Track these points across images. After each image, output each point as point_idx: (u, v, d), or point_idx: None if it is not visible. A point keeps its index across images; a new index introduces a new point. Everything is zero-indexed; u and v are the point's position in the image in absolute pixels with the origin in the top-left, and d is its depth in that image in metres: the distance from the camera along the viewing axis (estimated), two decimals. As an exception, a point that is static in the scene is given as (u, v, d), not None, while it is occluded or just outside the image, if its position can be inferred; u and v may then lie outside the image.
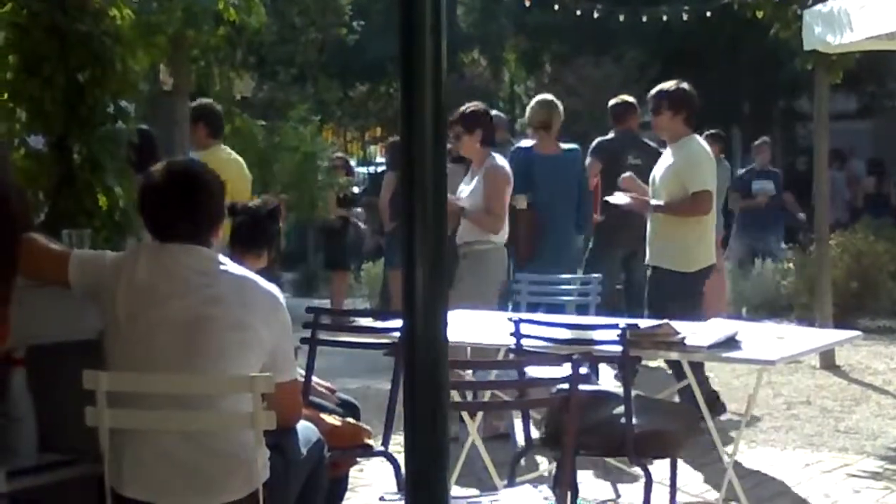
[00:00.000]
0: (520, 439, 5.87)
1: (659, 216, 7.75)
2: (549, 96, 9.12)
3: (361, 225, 14.51)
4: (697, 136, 7.92)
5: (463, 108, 7.90)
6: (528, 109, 9.10)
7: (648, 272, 7.93)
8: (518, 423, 6.40)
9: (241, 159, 9.01)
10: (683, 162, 7.70)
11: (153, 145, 7.74)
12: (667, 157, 7.88)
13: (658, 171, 7.85)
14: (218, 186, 4.17)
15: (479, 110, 7.94)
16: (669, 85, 7.97)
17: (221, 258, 4.10)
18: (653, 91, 8.10)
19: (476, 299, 7.30)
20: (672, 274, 7.59)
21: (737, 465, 6.07)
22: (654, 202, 7.72)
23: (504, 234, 7.81)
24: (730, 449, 6.00)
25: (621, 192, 8.01)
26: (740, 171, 16.14)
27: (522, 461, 5.50)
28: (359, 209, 14.53)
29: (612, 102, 10.28)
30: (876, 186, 20.49)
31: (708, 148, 8.04)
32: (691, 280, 7.64)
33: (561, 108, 8.94)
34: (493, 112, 11.39)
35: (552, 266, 8.20)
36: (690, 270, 7.62)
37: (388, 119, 26.87)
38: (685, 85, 7.99)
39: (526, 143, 9.03)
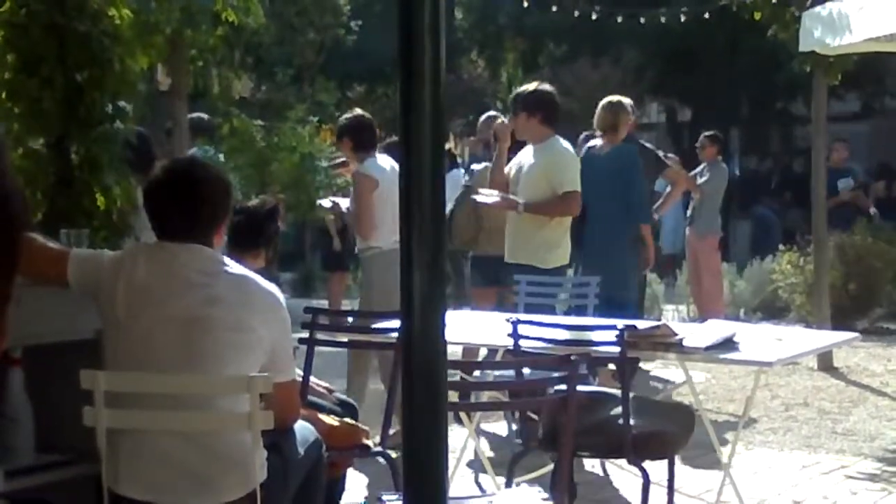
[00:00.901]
0: (517, 440, 5.87)
1: (516, 215, 7.72)
2: (615, 98, 9.23)
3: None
4: (560, 137, 7.88)
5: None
6: (597, 112, 9.26)
7: (514, 269, 7.85)
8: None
9: None
10: (550, 163, 7.67)
11: (149, 146, 7.74)
12: (528, 157, 7.78)
13: (520, 170, 7.76)
14: (221, 186, 4.16)
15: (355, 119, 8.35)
16: (527, 87, 7.96)
17: (222, 257, 4.10)
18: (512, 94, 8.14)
19: (375, 306, 7.39)
20: (530, 269, 7.56)
21: (734, 466, 6.07)
22: (523, 202, 7.64)
23: (387, 239, 7.84)
24: (727, 450, 6.00)
25: (487, 190, 7.94)
26: None
27: (520, 461, 5.50)
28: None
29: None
30: (886, 190, 20.35)
31: (572, 149, 8.01)
32: (549, 275, 7.65)
33: (628, 106, 9.14)
34: (492, 113, 11.44)
35: (597, 256, 8.60)
36: (547, 267, 7.64)
37: (386, 120, 26.89)
38: (545, 86, 8.01)
39: (594, 141, 9.30)
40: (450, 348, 2.86)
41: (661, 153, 10.56)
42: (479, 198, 7.87)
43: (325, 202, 9.50)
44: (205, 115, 11.70)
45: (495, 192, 7.81)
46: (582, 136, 9.94)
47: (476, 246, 8.87)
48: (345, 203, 8.47)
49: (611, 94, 12.14)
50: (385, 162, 8.21)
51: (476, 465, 6.87)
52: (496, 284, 8.44)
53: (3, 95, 5.15)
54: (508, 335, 5.55)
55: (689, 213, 12.94)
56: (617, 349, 5.29)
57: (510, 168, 7.94)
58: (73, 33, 5.10)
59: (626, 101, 10.31)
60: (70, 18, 5.10)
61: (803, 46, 9.30)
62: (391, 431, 5.48)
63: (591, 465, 6.55)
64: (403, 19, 2.42)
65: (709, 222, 12.63)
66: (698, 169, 12.84)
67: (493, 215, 8.53)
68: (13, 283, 1.48)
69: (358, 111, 8.89)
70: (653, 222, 9.74)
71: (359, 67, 24.95)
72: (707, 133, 13.22)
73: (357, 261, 15.32)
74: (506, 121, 8.65)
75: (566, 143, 7.96)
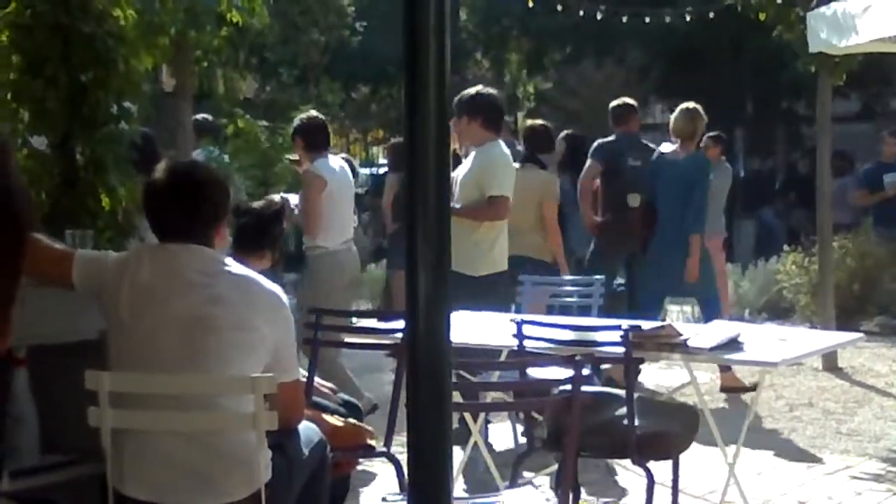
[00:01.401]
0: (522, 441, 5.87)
1: (452, 219, 7.62)
2: (692, 105, 9.40)
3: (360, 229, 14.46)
4: (501, 141, 7.81)
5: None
6: (674, 119, 9.41)
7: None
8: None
9: None
10: (483, 167, 7.58)
11: (154, 146, 7.76)
12: (467, 161, 7.75)
13: (458, 174, 7.69)
14: (221, 187, 4.18)
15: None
16: (467, 91, 7.90)
17: (224, 258, 4.10)
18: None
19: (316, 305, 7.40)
20: (461, 277, 7.32)
21: (739, 466, 6.07)
22: (452, 205, 7.55)
23: (335, 240, 7.85)
24: (732, 450, 6.00)
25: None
26: (867, 166, 15.14)
27: (524, 462, 5.50)
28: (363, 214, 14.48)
29: (612, 104, 10.28)
30: None
31: (509, 153, 7.90)
32: (481, 283, 7.51)
33: (703, 114, 9.32)
34: None
35: (662, 257, 9.08)
36: (478, 274, 7.52)
37: (390, 121, 26.90)
38: (487, 90, 7.92)
39: (666, 147, 9.47)
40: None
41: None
42: None
43: (276, 197, 9.32)
44: (209, 116, 11.71)
45: None
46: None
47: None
48: (294, 200, 8.43)
49: (615, 94, 12.20)
50: (335, 163, 8.33)
51: (480, 465, 6.87)
52: (518, 284, 8.46)
53: (9, 96, 5.16)
54: (513, 335, 5.55)
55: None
56: (622, 349, 5.29)
57: (455, 173, 7.76)
58: (78, 34, 5.11)
59: (631, 101, 10.33)
60: (75, 19, 5.11)
61: (813, 48, 9.30)
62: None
63: (596, 465, 6.55)
64: (408, 19, 2.41)
65: (713, 223, 12.57)
66: (703, 169, 12.80)
67: (519, 215, 8.54)
68: (19, 283, 1.48)
69: (312, 112, 9.03)
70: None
71: (363, 68, 24.96)
72: (710, 134, 13.18)
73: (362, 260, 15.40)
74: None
75: (506, 149, 7.86)
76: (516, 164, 9.04)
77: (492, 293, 7.57)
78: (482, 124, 7.66)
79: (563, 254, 9.01)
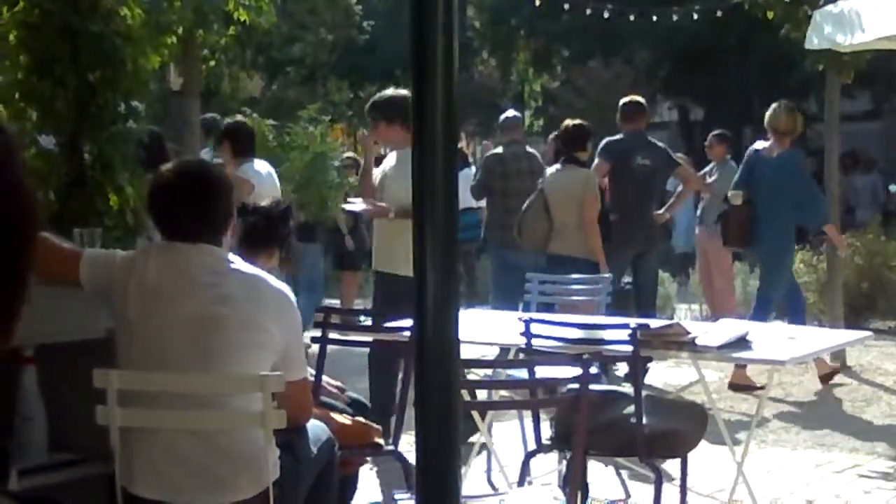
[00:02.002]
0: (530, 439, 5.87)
1: (384, 222, 7.60)
2: (791, 103, 9.78)
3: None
4: None
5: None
6: (772, 115, 9.61)
7: (374, 277, 7.82)
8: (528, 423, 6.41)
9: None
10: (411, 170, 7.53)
11: (161, 144, 7.77)
12: (393, 164, 7.63)
13: (385, 176, 7.64)
14: (227, 186, 4.18)
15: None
16: (382, 95, 7.85)
17: (231, 257, 4.10)
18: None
19: None
20: (397, 278, 7.30)
21: (747, 465, 6.06)
22: (394, 209, 7.50)
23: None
24: (740, 449, 5.99)
25: (359, 200, 7.85)
26: None
27: (532, 461, 5.50)
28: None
29: (622, 102, 10.28)
30: None
31: None
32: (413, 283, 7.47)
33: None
34: (511, 113, 11.43)
35: (764, 252, 9.52)
36: (407, 275, 7.46)
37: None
38: (401, 91, 7.83)
39: (760, 144, 9.72)
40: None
41: (670, 151, 10.54)
42: (349, 206, 7.70)
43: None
44: (217, 115, 11.72)
45: (367, 200, 7.65)
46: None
47: (547, 246, 9.05)
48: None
49: (622, 93, 12.20)
50: (262, 167, 8.34)
51: (489, 464, 6.87)
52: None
53: (17, 95, 5.17)
54: (521, 334, 5.55)
55: (698, 212, 12.92)
56: (629, 348, 5.29)
57: (376, 175, 7.77)
58: (86, 33, 5.11)
59: (641, 99, 10.34)
60: (83, 19, 5.11)
61: (815, 45, 9.29)
62: None
63: (604, 463, 6.54)
64: (416, 18, 2.42)
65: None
66: (707, 168, 12.81)
67: (561, 214, 8.74)
68: (27, 283, 1.48)
69: (239, 117, 9.13)
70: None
71: (371, 67, 24.97)
72: (715, 132, 13.19)
73: (369, 260, 15.41)
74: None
75: None
76: (557, 166, 9.11)
77: None
78: (402, 126, 7.54)
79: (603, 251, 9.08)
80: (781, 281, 9.66)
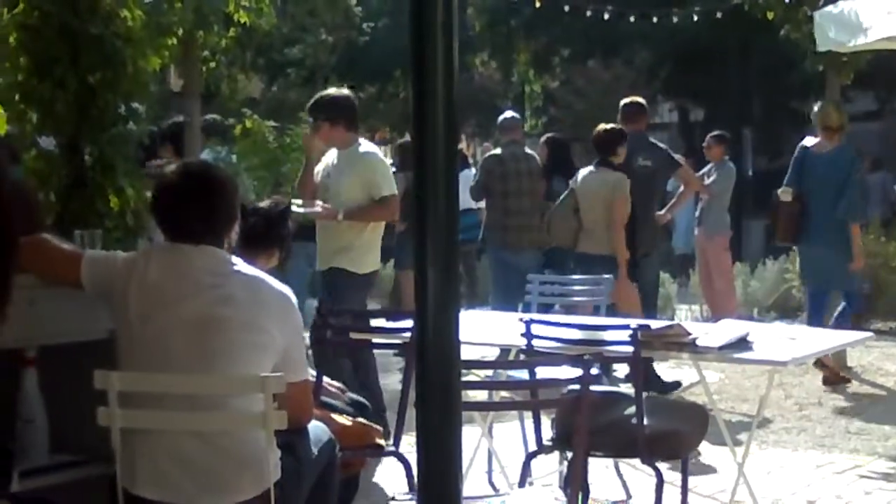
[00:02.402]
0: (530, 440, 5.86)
1: (327, 222, 7.62)
2: (837, 101, 9.93)
3: None
4: (363, 140, 7.76)
5: None
6: (822, 112, 9.71)
7: (322, 277, 7.81)
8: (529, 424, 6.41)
9: None
10: (362, 169, 7.51)
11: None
12: (336, 164, 7.62)
13: (328, 177, 7.64)
14: (232, 187, 4.18)
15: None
16: (324, 96, 7.83)
17: (233, 258, 4.10)
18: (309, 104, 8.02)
19: None
20: (348, 274, 7.48)
21: (748, 465, 6.06)
22: (343, 210, 7.47)
23: None
24: (741, 450, 5.99)
25: (314, 202, 7.82)
26: None
27: (533, 462, 5.50)
28: None
29: (623, 103, 10.28)
30: None
31: (376, 150, 7.91)
32: (363, 281, 7.59)
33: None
34: (510, 114, 11.44)
35: (814, 246, 9.55)
36: (362, 272, 7.57)
37: (397, 120, 26.90)
38: (343, 91, 7.83)
39: (809, 140, 9.82)
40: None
41: (671, 152, 10.54)
42: (296, 209, 7.68)
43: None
44: (218, 117, 11.72)
45: (316, 203, 7.61)
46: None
47: (575, 245, 9.16)
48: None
49: (623, 94, 12.21)
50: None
51: (490, 465, 6.87)
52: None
53: (17, 97, 5.16)
54: (521, 335, 5.55)
55: (697, 213, 12.93)
56: (630, 349, 5.28)
57: (317, 175, 7.74)
58: (86, 35, 5.11)
59: (642, 100, 10.34)
60: (83, 20, 5.11)
61: (822, 46, 9.30)
62: None
63: (605, 464, 6.54)
64: (416, 18, 2.41)
65: (717, 222, 12.62)
66: (705, 169, 12.81)
67: (590, 215, 8.90)
68: (12, 284, 1.48)
69: (179, 118, 9.08)
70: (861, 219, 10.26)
71: (371, 68, 24.96)
72: (714, 133, 13.20)
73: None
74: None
75: (372, 147, 7.86)
76: (590, 167, 9.13)
77: (371, 288, 7.84)
78: (345, 127, 7.58)
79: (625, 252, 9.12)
80: (854, 273, 9.75)
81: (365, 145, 7.72)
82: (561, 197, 9.41)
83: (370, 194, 7.48)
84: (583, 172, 9.31)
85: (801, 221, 9.52)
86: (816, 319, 9.51)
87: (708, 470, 6.83)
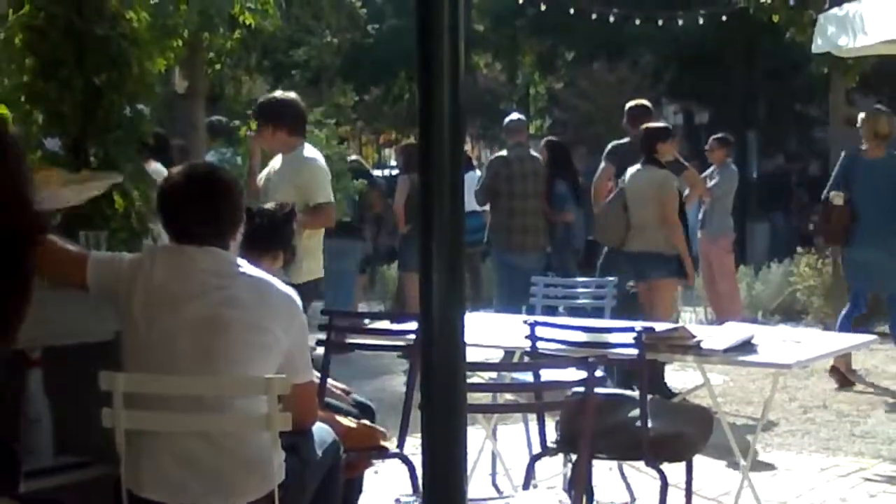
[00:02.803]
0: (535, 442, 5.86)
1: None
2: (885, 108, 9.94)
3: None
4: (309, 145, 7.61)
5: None
6: (873, 120, 9.73)
7: None
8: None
9: None
10: (299, 175, 7.30)
11: (167, 145, 7.77)
12: (278, 168, 7.48)
13: (269, 181, 7.49)
14: (237, 189, 4.19)
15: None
16: (267, 99, 7.73)
17: (238, 260, 4.11)
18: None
19: None
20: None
21: (752, 468, 6.06)
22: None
23: None
24: (745, 452, 5.99)
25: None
26: None
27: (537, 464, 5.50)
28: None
29: (628, 105, 10.28)
30: None
31: (318, 155, 7.64)
32: (302, 291, 7.40)
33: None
34: (516, 116, 11.45)
35: (865, 250, 9.54)
36: (297, 282, 7.43)
37: (402, 122, 26.91)
38: (288, 94, 7.70)
39: (858, 148, 9.87)
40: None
41: (678, 156, 10.55)
42: None
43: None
44: (223, 118, 11.74)
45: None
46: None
47: (624, 244, 9.20)
48: None
49: (628, 97, 12.21)
50: (154, 170, 8.26)
51: (494, 467, 6.87)
52: (643, 279, 8.56)
53: (22, 99, 5.16)
54: (526, 337, 5.54)
55: (700, 216, 12.92)
56: (635, 351, 5.28)
57: (261, 178, 7.60)
58: (92, 36, 5.10)
59: (647, 103, 10.34)
60: (88, 21, 5.11)
61: (818, 48, 9.30)
62: None
63: (609, 467, 6.54)
64: (422, 19, 2.41)
65: (720, 224, 12.61)
66: (708, 171, 12.80)
67: (639, 213, 8.98)
68: (32, 286, 1.47)
69: (159, 129, 8.79)
70: None
71: (375, 70, 24.96)
72: (716, 136, 13.18)
73: (374, 263, 15.43)
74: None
75: (315, 152, 7.62)
76: (637, 166, 9.13)
77: (313, 298, 7.46)
78: (289, 131, 7.37)
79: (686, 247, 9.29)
80: None
81: (308, 150, 7.49)
82: (609, 197, 9.47)
83: (305, 201, 7.15)
84: (630, 171, 9.34)
85: (851, 225, 9.63)
86: (857, 312, 9.89)
87: (712, 473, 6.83)
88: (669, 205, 9.08)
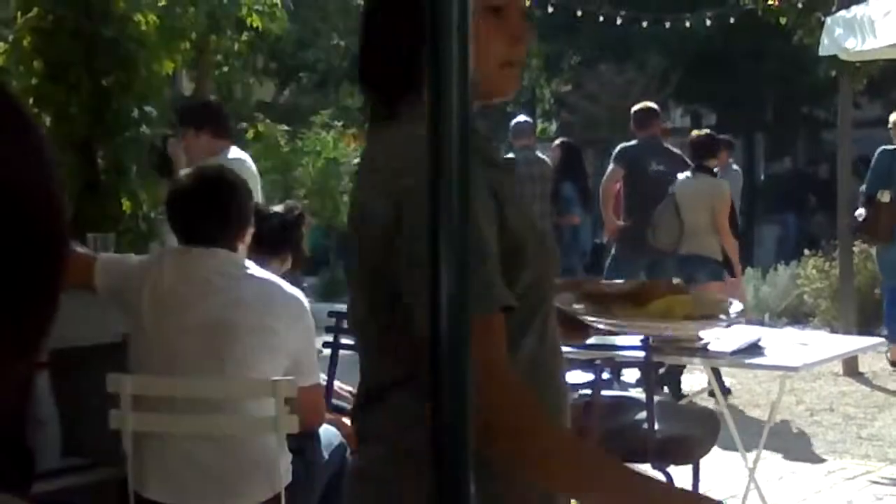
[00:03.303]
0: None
1: None
2: None
3: None
4: (235, 148, 7.39)
5: None
6: None
7: None
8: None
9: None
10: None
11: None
12: None
13: None
14: (246, 191, 4.19)
15: None
16: (190, 102, 7.71)
17: (245, 262, 4.11)
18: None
19: None
20: None
21: (759, 471, 6.05)
22: None
23: None
24: (752, 455, 5.98)
25: None
26: None
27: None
28: None
29: (635, 108, 10.28)
30: None
31: (245, 157, 7.45)
32: None
33: None
34: (523, 118, 11.46)
35: None
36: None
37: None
38: (210, 98, 7.69)
39: (891, 145, 10.12)
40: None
41: (685, 158, 10.54)
42: None
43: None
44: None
45: None
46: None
47: (678, 247, 9.34)
48: None
49: (635, 98, 12.22)
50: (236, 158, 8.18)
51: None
52: (691, 281, 8.65)
53: (31, 101, 5.18)
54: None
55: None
56: (642, 353, 5.28)
57: None
58: (100, 39, 5.12)
59: (654, 105, 10.34)
60: (96, 24, 5.12)
61: (825, 50, 9.29)
62: None
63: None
64: (430, 20, 2.41)
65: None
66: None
67: (691, 218, 9.15)
68: (59, 300, 1.46)
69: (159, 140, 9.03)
70: None
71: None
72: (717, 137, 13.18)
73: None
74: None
75: (242, 154, 7.44)
76: (688, 173, 9.16)
77: None
78: (212, 135, 7.18)
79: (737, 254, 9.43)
80: None
81: (234, 153, 7.29)
82: (662, 202, 9.54)
83: None
84: (681, 177, 9.39)
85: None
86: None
87: (719, 475, 6.82)
88: (721, 212, 9.22)
